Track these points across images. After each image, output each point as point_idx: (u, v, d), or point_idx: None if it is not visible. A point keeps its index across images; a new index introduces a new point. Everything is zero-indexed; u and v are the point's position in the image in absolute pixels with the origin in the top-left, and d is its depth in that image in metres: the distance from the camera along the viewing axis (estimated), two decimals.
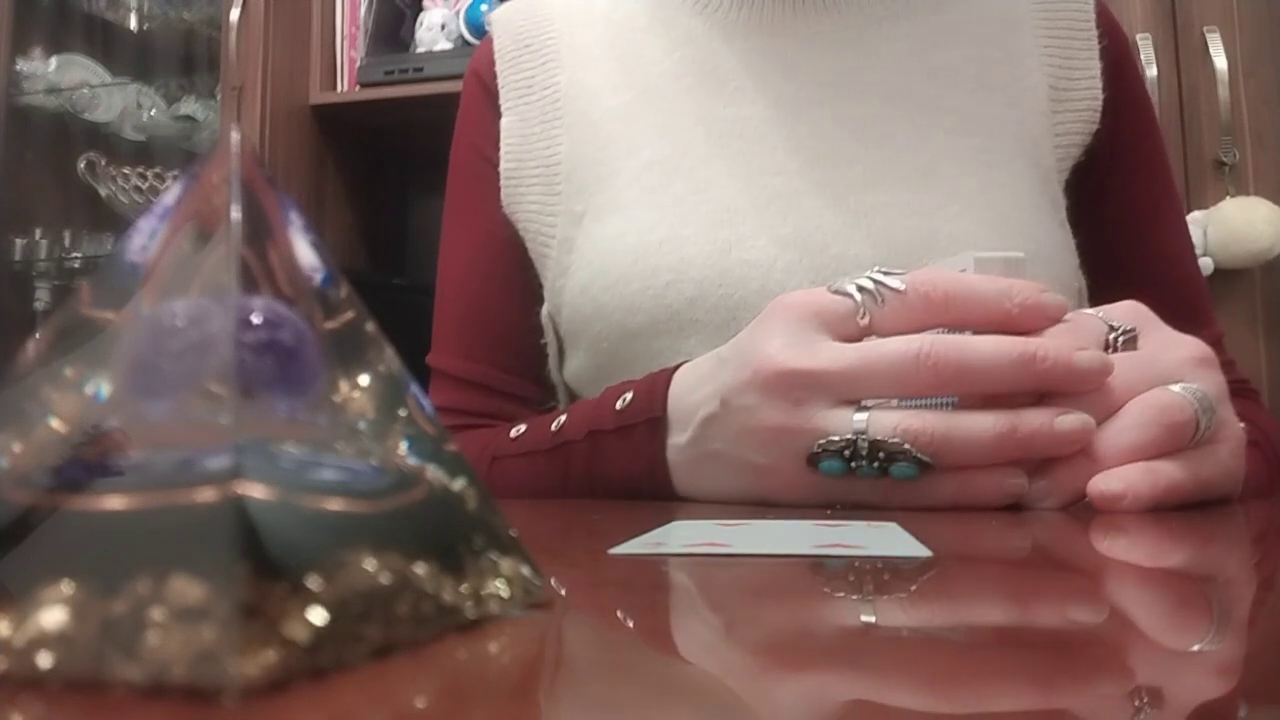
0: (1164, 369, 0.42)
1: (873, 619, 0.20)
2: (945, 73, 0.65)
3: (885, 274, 0.43)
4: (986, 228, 0.60)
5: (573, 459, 0.54)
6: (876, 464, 0.41)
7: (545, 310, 0.68)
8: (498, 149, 0.70)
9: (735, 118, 0.65)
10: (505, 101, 0.70)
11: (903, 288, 0.42)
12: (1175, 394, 0.40)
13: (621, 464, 0.51)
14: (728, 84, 0.66)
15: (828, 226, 0.60)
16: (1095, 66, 0.66)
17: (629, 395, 0.51)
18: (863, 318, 0.42)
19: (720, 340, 0.49)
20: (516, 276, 0.69)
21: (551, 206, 0.67)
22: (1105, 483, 0.39)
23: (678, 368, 0.51)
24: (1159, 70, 1.38)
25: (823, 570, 0.26)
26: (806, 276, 0.59)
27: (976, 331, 0.42)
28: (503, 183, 0.69)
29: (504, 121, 0.70)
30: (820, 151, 0.63)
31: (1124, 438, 0.40)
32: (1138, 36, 1.37)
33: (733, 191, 0.62)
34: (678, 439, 0.49)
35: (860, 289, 0.43)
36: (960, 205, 0.61)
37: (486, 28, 0.75)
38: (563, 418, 0.55)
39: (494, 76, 0.71)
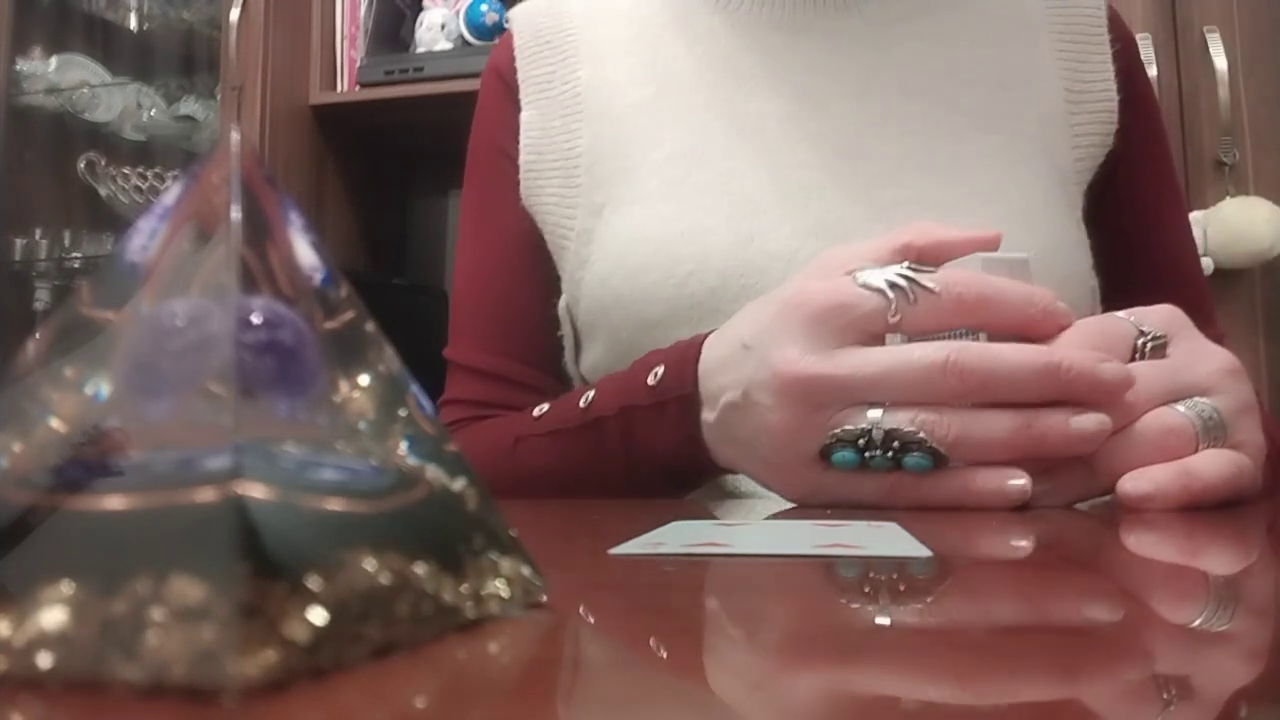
0: (1190, 380, 0.42)
1: (872, 618, 0.20)
2: (964, 71, 0.66)
3: (916, 271, 0.43)
4: (1005, 223, 0.60)
5: (607, 435, 0.53)
6: (891, 453, 0.41)
7: (563, 302, 0.68)
8: (517, 143, 0.70)
9: (757, 112, 0.65)
10: (525, 96, 0.70)
11: (937, 289, 0.42)
12: (1179, 415, 0.41)
13: (660, 438, 0.51)
14: (749, 79, 0.66)
15: (849, 219, 0.61)
16: (1109, 69, 0.67)
17: (660, 370, 0.51)
18: (894, 315, 0.42)
19: None
20: (535, 270, 0.69)
21: (571, 198, 0.67)
22: (1134, 484, 0.40)
23: (703, 340, 0.50)
24: (1159, 70, 1.38)
25: (822, 570, 0.26)
26: None
27: (993, 337, 0.42)
28: (522, 175, 0.69)
29: (524, 115, 0.70)
30: (841, 146, 0.63)
31: (1120, 458, 0.41)
32: (1138, 36, 1.37)
33: (755, 183, 0.62)
34: (708, 416, 0.49)
35: (892, 285, 0.43)
36: (980, 200, 0.61)
37: (506, 24, 0.75)
38: (591, 393, 0.55)
39: (514, 72, 0.71)
